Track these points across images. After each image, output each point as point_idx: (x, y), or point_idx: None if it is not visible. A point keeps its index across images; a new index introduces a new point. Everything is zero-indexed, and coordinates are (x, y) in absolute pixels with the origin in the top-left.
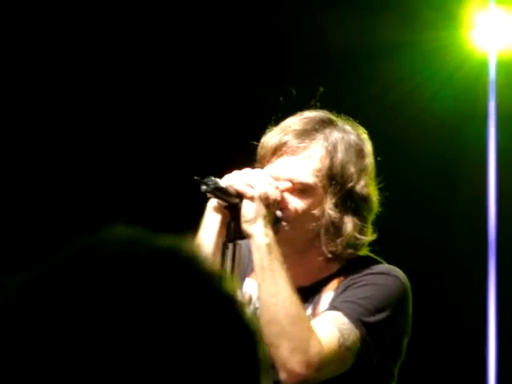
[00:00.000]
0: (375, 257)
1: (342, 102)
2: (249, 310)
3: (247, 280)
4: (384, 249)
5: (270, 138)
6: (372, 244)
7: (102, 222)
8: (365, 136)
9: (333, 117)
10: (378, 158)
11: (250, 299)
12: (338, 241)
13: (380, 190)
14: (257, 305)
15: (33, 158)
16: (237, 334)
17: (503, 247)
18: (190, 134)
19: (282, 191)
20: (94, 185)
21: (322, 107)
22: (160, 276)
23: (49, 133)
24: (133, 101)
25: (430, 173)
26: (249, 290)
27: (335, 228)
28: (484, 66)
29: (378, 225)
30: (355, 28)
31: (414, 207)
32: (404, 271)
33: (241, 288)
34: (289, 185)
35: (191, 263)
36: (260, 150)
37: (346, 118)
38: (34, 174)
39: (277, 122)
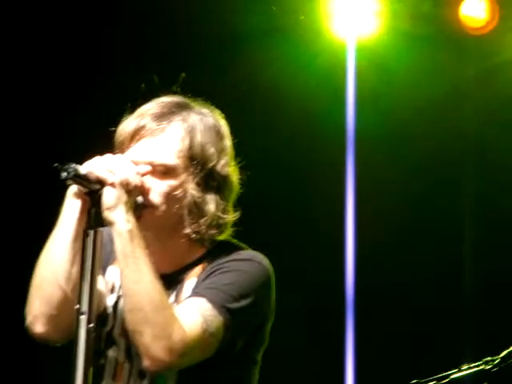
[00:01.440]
0: (238, 242)
1: (202, 87)
2: (112, 298)
3: (110, 268)
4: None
5: (128, 123)
6: (235, 226)
7: None
8: (222, 118)
9: (189, 101)
10: (235, 143)
11: (113, 287)
12: (202, 221)
13: (240, 171)
14: (120, 293)
15: None
16: None
17: (360, 225)
18: (49, 121)
19: (143, 175)
20: None
21: (182, 93)
22: None
23: None
24: None
25: (290, 160)
26: (112, 278)
27: (198, 208)
28: (342, 52)
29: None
30: (218, 14)
31: (274, 191)
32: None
33: (103, 276)
34: (149, 168)
35: None
36: (118, 137)
37: (202, 102)
38: None
39: (134, 109)
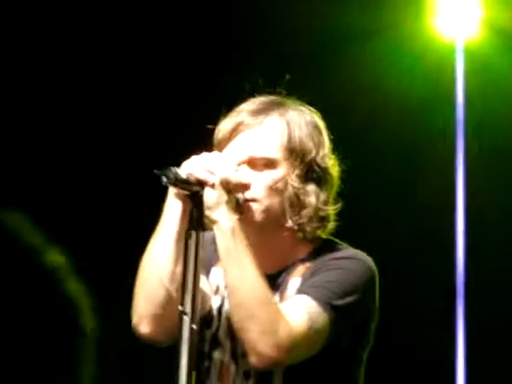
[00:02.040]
0: (340, 242)
1: (307, 88)
2: (217, 300)
3: (214, 269)
4: (350, 232)
5: (225, 122)
6: (337, 220)
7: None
8: (317, 115)
9: (285, 99)
10: (339, 142)
11: (218, 289)
12: (303, 213)
13: (341, 166)
14: (225, 294)
15: None
16: (51, 302)
17: (472, 226)
18: (148, 125)
19: (239, 164)
20: (61, 181)
21: (287, 94)
22: None
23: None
24: (88, 97)
25: (396, 159)
26: (216, 279)
27: (299, 200)
28: (449, 52)
29: (344, 209)
30: (321, 15)
31: (381, 191)
32: (371, 256)
33: (207, 278)
34: (245, 159)
35: (13, 236)
36: (216, 136)
37: (298, 101)
38: None
39: (231, 110)
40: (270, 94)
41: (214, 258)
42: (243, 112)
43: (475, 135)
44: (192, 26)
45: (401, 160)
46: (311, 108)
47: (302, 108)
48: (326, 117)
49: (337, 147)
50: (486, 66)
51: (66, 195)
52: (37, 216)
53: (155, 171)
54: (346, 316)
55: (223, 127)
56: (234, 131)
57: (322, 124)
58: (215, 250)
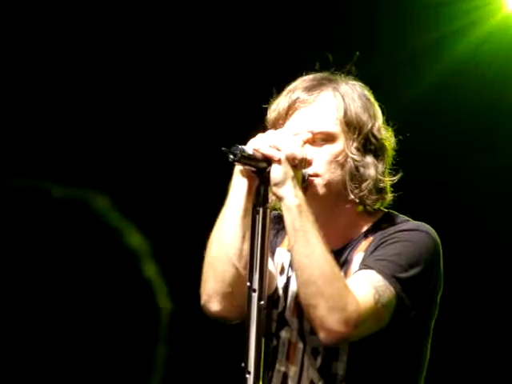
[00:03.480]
0: (401, 214)
1: (378, 60)
2: (282, 279)
3: (278, 250)
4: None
5: (280, 101)
6: (395, 192)
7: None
8: (367, 88)
9: (334, 75)
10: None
11: (283, 269)
12: (364, 185)
13: (396, 138)
14: (289, 273)
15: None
16: (134, 284)
17: None
18: (216, 105)
19: (309, 144)
20: (129, 161)
21: (357, 69)
22: (72, 221)
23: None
24: (155, 77)
25: (471, 132)
26: (281, 259)
27: (359, 172)
28: None
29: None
30: None
31: (454, 166)
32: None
33: (272, 258)
34: (309, 136)
35: (99, 216)
36: (271, 115)
37: (346, 76)
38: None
39: (280, 91)
40: (319, 71)
41: (278, 239)
42: (298, 89)
43: None
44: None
45: (476, 135)
46: (360, 82)
47: (353, 82)
48: (398, 87)
49: (407, 120)
50: None
51: (136, 176)
52: (113, 200)
53: (222, 148)
54: (411, 288)
55: (278, 105)
56: (290, 109)
57: (372, 96)
58: (279, 231)
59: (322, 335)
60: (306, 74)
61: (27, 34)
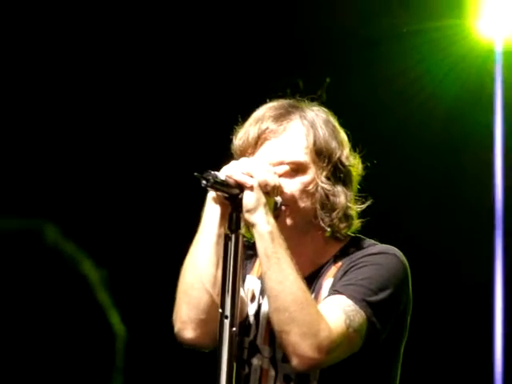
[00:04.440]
0: (368, 238)
1: (346, 89)
2: (253, 307)
3: (248, 277)
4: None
5: (247, 130)
6: (365, 218)
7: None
8: (331, 113)
9: (298, 101)
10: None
11: (253, 296)
12: (334, 213)
13: (364, 163)
14: (260, 301)
15: (34, 154)
16: (90, 311)
17: (509, 234)
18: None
19: (280, 176)
20: (95, 184)
21: (327, 96)
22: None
23: (47, 129)
24: (127, 100)
25: (436, 161)
26: (251, 286)
27: (330, 201)
28: (490, 54)
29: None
30: (358, 15)
31: (419, 194)
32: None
33: (242, 285)
34: (286, 168)
35: (52, 246)
36: (239, 144)
37: (309, 101)
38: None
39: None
40: (281, 97)
41: (247, 266)
42: (266, 119)
43: None
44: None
45: (440, 162)
46: (323, 107)
47: (318, 108)
48: (363, 117)
49: (373, 149)
50: None
51: (104, 200)
52: (68, 226)
53: (195, 174)
54: (382, 311)
55: (247, 134)
56: (260, 139)
57: (337, 122)
58: (248, 258)
59: (294, 361)
60: (272, 100)
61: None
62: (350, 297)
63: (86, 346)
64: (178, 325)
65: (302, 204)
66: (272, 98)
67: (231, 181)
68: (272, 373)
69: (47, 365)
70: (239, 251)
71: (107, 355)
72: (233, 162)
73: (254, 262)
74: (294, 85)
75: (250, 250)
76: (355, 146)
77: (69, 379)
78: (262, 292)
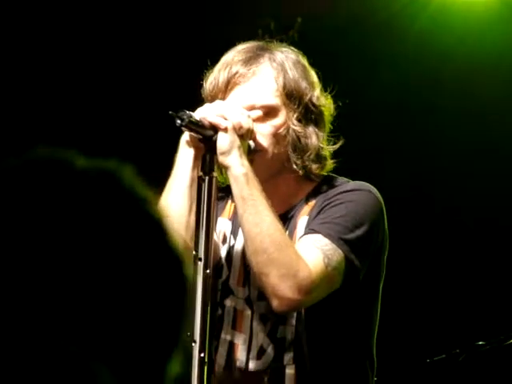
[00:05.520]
0: (340, 177)
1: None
2: (225, 248)
3: (219, 219)
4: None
5: (216, 75)
6: (336, 158)
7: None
8: (301, 53)
9: (267, 43)
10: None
11: (225, 237)
12: (306, 155)
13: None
14: (232, 242)
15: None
16: (163, 256)
17: None
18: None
19: (254, 120)
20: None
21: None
22: (97, 191)
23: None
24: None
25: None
26: (222, 228)
27: (301, 143)
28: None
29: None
30: None
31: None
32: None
33: (215, 227)
34: (259, 113)
35: (127, 187)
36: (209, 89)
37: (278, 43)
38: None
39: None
40: (251, 39)
41: (219, 208)
42: (235, 63)
43: None
44: None
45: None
46: (293, 47)
47: (286, 49)
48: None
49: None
50: None
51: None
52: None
53: (169, 112)
54: (359, 248)
55: (216, 79)
56: (229, 83)
57: (306, 61)
58: (219, 200)
59: (275, 303)
60: (240, 43)
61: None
62: (326, 235)
63: (161, 289)
64: None
65: (273, 147)
66: (242, 40)
67: (206, 122)
68: (248, 312)
69: (125, 302)
70: (213, 193)
71: (181, 297)
72: (207, 105)
73: (225, 204)
74: (264, 26)
75: (221, 193)
76: (326, 85)
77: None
78: (234, 233)
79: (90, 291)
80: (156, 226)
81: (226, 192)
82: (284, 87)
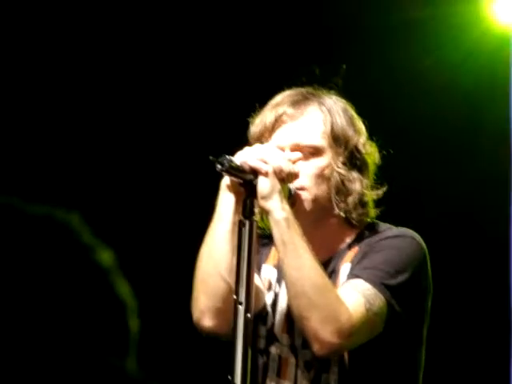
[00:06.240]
0: (383, 223)
1: (362, 78)
2: (270, 296)
3: (264, 266)
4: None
5: (265, 115)
6: (380, 204)
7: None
8: (349, 103)
9: (317, 89)
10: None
11: (270, 285)
12: (350, 199)
13: (380, 152)
14: (277, 289)
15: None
16: (105, 301)
17: None
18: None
19: (295, 162)
20: (114, 170)
21: (344, 84)
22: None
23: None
24: (144, 87)
25: (452, 149)
26: (267, 275)
27: (345, 187)
28: (505, 39)
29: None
30: (373, 4)
31: (435, 184)
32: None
33: (259, 274)
34: (300, 155)
35: (72, 234)
36: (256, 129)
37: (327, 90)
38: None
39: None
40: (300, 85)
41: (262, 255)
42: (283, 104)
43: None
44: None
45: (454, 150)
46: (341, 97)
47: (336, 97)
48: (379, 106)
49: (389, 138)
50: None
51: (120, 189)
52: (87, 215)
53: (210, 157)
54: (401, 294)
55: (264, 120)
56: (277, 123)
57: (354, 112)
58: (262, 248)
59: (316, 347)
60: (289, 88)
61: None
62: (368, 280)
63: (102, 334)
64: (196, 314)
65: (317, 188)
66: (289, 86)
67: (246, 166)
68: (292, 360)
69: (66, 351)
70: (253, 237)
71: (122, 344)
72: (247, 148)
73: (270, 250)
74: (310, 72)
75: (265, 239)
76: (372, 135)
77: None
78: (279, 280)
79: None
80: (99, 273)
81: (270, 239)
82: (331, 130)
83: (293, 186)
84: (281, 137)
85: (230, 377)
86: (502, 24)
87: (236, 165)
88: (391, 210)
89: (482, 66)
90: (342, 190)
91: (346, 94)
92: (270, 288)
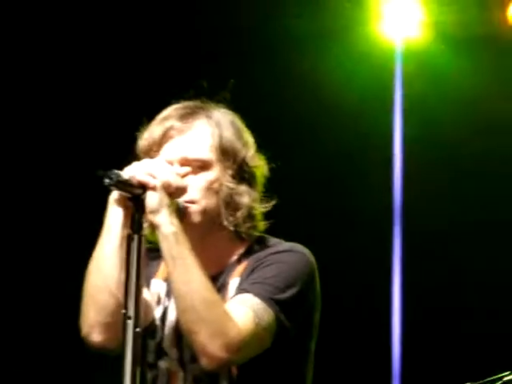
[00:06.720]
0: (273, 237)
1: (251, 90)
2: (159, 310)
3: (153, 281)
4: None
5: (152, 129)
6: (268, 218)
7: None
8: (237, 115)
9: (205, 103)
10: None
11: (159, 299)
12: (239, 213)
13: (269, 165)
14: (166, 303)
15: None
16: None
17: (408, 235)
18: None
19: (183, 176)
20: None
21: (231, 98)
22: None
23: None
24: (29, 99)
25: (337, 162)
26: (156, 289)
27: (234, 200)
28: (391, 55)
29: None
30: (263, 16)
31: (321, 195)
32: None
33: (148, 289)
34: (188, 169)
35: None
36: (144, 144)
37: (215, 103)
38: None
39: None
40: (188, 99)
41: (151, 270)
42: (171, 118)
43: (413, 137)
44: None
45: (340, 163)
46: (230, 109)
47: (224, 110)
48: (267, 117)
49: (273, 149)
50: (426, 69)
51: (3, 200)
52: None
53: (98, 172)
54: (290, 309)
55: (151, 134)
56: (164, 137)
57: (242, 124)
58: (153, 260)
59: (204, 361)
60: (177, 102)
61: None
62: (257, 295)
63: None
64: (85, 328)
65: (206, 201)
66: (177, 100)
67: (134, 181)
68: (181, 374)
69: None
70: (142, 252)
71: None
72: (135, 163)
73: (159, 264)
74: (198, 86)
75: (154, 252)
76: (260, 148)
77: None
78: (168, 294)
79: None
80: None
81: (159, 252)
82: (219, 143)
83: (182, 200)
84: (169, 151)
85: None
86: (388, 40)
87: (124, 179)
88: (280, 223)
89: (367, 82)
90: (230, 203)
91: (233, 106)
92: (159, 302)
